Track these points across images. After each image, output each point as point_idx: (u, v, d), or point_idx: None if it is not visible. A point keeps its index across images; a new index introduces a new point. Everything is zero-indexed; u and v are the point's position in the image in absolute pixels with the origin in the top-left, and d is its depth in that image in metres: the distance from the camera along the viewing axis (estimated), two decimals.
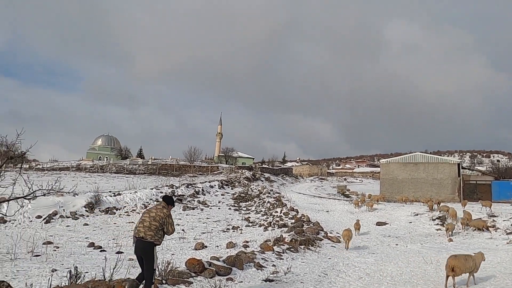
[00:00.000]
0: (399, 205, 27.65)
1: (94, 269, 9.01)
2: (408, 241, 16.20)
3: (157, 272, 6.69)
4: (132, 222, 20.12)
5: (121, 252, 12.09)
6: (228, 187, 37.84)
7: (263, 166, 68.73)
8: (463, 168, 39.10)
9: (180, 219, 21.77)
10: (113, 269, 7.42)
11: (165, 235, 6.35)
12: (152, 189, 28.14)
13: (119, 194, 24.80)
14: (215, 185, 36.10)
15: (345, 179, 71.51)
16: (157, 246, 6.25)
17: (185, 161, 61.18)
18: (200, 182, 36.68)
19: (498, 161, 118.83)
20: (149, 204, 24.46)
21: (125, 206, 23.33)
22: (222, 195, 33.33)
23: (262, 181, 48.24)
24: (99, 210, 21.88)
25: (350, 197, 36.68)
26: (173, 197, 27.74)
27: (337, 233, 17.40)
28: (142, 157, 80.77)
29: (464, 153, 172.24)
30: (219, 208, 26.75)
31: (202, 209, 25.89)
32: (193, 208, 25.71)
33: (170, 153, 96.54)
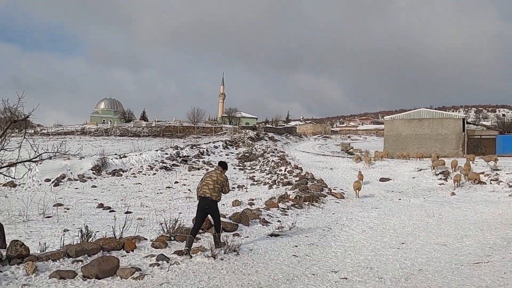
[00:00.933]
0: (402, 161, 27.78)
1: (105, 228, 9.28)
2: (411, 196, 16.42)
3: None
4: (139, 183, 20.50)
5: (130, 212, 12.41)
6: (232, 147, 38.10)
7: (267, 125, 68.67)
8: (468, 123, 38.75)
9: (186, 179, 22.14)
10: (123, 227, 7.64)
11: (222, 193, 7.58)
12: (157, 150, 28.38)
13: (125, 157, 25.09)
14: (219, 146, 36.34)
15: (349, 137, 71.50)
16: (218, 203, 7.50)
17: (189, 122, 61.23)
18: (204, 143, 36.91)
19: (503, 115, 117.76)
20: (154, 165, 24.75)
21: (131, 168, 23.67)
22: (226, 155, 33.61)
23: (266, 140, 48.39)
24: (106, 173, 22.23)
25: (354, 154, 36.84)
26: (179, 158, 28.08)
27: (341, 189, 17.65)
28: (145, 119, 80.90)
29: (469, 108, 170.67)
30: None
31: (207, 169, 26.13)
32: (198, 169, 26.04)
33: (174, 115, 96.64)
